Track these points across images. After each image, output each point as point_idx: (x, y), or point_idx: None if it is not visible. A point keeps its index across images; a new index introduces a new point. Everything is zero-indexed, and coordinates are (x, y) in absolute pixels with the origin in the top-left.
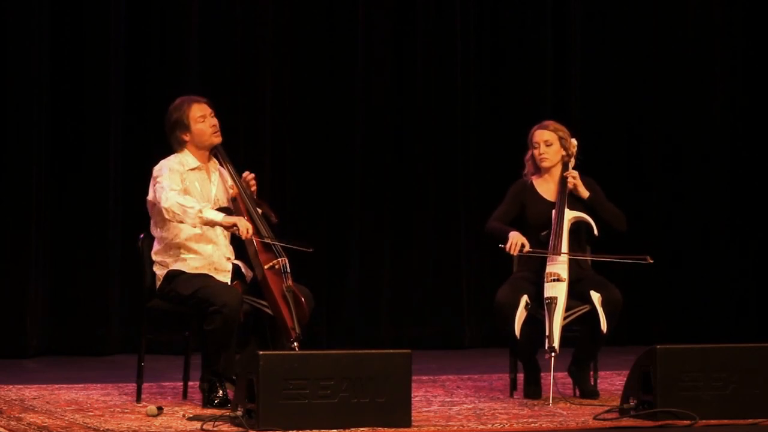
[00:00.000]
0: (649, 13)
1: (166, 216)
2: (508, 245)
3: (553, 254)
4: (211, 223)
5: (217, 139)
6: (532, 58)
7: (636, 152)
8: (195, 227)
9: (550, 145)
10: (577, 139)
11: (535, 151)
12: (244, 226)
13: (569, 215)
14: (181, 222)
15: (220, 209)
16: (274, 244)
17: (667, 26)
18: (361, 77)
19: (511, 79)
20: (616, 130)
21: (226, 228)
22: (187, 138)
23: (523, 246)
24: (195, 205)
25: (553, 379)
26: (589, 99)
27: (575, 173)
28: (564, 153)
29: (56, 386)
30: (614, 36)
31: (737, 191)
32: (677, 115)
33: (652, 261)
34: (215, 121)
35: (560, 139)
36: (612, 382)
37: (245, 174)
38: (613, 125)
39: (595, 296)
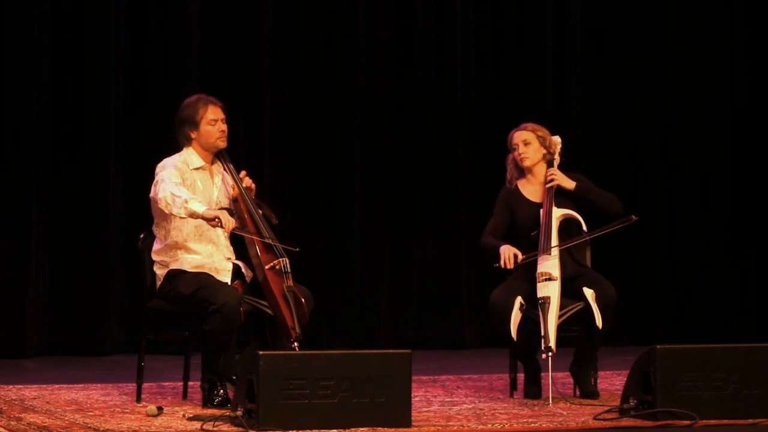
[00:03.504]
0: (649, 12)
1: (160, 206)
2: (501, 262)
3: (545, 253)
4: (194, 215)
5: (223, 144)
6: (532, 57)
7: (636, 152)
8: (182, 218)
9: (529, 144)
10: (561, 137)
11: (515, 153)
12: (227, 218)
13: (557, 213)
14: (171, 213)
15: (221, 210)
16: (275, 246)
17: (667, 25)
18: (361, 79)
19: (511, 78)
20: (616, 130)
21: (208, 221)
22: (194, 136)
23: (516, 256)
24: (183, 195)
25: (553, 379)
26: (589, 99)
27: (554, 170)
28: (545, 152)
29: (56, 386)
30: (614, 35)
31: (737, 191)
32: (678, 114)
33: (636, 218)
34: (225, 126)
35: (539, 138)
36: (612, 382)
37: (242, 174)
38: (614, 125)
39: (588, 292)
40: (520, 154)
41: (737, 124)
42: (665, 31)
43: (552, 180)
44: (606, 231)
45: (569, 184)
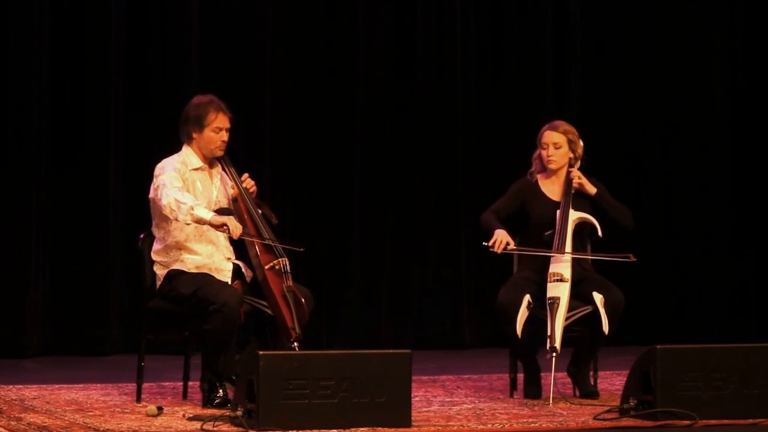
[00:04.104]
0: (649, 12)
1: (165, 212)
2: (491, 241)
3: (545, 254)
4: (201, 221)
5: (220, 153)
6: (532, 57)
7: (636, 152)
8: (188, 224)
9: (559, 148)
10: (582, 141)
11: (543, 152)
12: (234, 225)
13: (573, 216)
14: (177, 219)
15: (221, 210)
16: (275, 246)
17: (667, 25)
18: (361, 79)
19: (511, 78)
20: (616, 130)
21: (216, 227)
22: (195, 136)
23: (507, 244)
24: (188, 202)
25: (553, 379)
26: (589, 99)
27: (579, 173)
28: (572, 155)
29: (56, 386)
30: (614, 35)
31: (737, 191)
32: (678, 114)
33: (635, 259)
34: (227, 137)
35: (569, 141)
36: (612, 382)
37: (244, 176)
38: (614, 125)
39: (598, 297)
40: (549, 156)
41: (737, 124)
42: (665, 31)
43: (576, 179)
44: (604, 258)
45: (591, 189)
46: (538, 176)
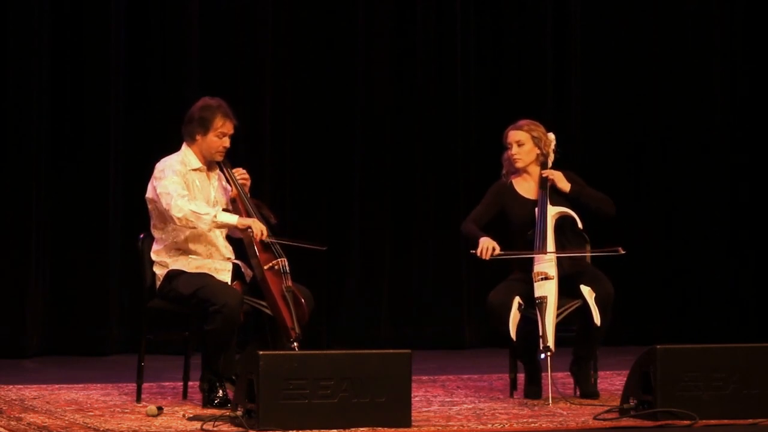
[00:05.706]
0: (649, 12)
1: (179, 224)
2: (478, 250)
3: (530, 254)
4: (226, 226)
5: (219, 158)
6: (532, 57)
7: (636, 152)
8: (209, 231)
9: (522, 146)
10: (558, 135)
11: (508, 152)
12: (259, 228)
13: (552, 211)
14: (194, 228)
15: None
16: (272, 243)
17: (667, 25)
18: (361, 79)
19: (511, 78)
20: (616, 130)
21: (241, 230)
22: (198, 138)
23: (493, 249)
24: (210, 211)
25: (553, 379)
26: (589, 99)
27: (550, 171)
28: (539, 152)
29: (56, 386)
30: (614, 35)
31: (737, 191)
32: (678, 114)
33: (624, 252)
34: (228, 143)
35: (533, 138)
36: (612, 382)
37: (237, 170)
38: (614, 125)
39: (585, 290)
40: (513, 155)
41: (737, 124)
42: (665, 31)
43: (548, 176)
44: (592, 255)
45: (564, 185)
46: (512, 177)
